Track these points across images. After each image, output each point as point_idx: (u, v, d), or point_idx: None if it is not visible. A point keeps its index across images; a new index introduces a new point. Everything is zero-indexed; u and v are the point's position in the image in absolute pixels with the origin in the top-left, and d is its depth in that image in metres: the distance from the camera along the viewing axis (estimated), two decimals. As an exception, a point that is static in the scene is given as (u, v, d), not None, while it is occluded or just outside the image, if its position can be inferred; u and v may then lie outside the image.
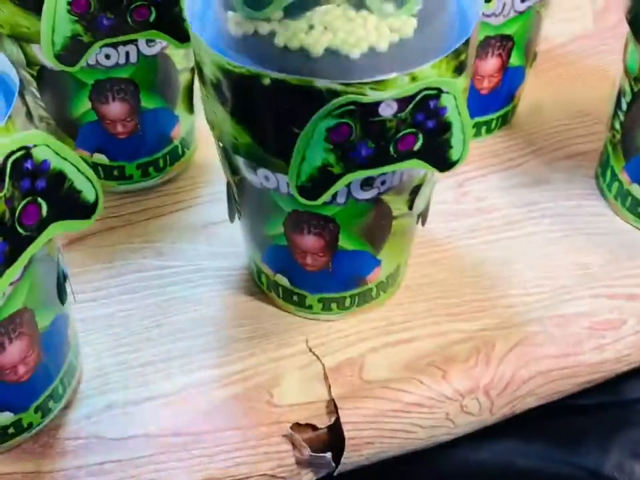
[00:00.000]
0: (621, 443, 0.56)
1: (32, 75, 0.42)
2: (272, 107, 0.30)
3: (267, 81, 0.29)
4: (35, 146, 0.27)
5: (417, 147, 0.31)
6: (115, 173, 0.47)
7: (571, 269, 0.44)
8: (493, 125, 0.52)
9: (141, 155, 0.46)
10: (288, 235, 0.37)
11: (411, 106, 0.29)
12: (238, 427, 0.37)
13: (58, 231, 0.29)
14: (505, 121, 0.53)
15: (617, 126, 0.46)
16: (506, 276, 0.44)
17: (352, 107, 0.28)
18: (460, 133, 0.31)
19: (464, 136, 0.31)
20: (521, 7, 0.46)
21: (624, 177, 0.46)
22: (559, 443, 0.55)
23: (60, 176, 0.28)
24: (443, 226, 0.46)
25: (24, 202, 0.27)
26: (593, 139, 0.53)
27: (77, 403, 0.38)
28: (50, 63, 0.38)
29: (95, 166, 0.46)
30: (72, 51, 0.38)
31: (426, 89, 0.29)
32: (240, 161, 0.35)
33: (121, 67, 0.41)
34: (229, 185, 0.38)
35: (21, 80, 0.30)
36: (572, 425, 0.49)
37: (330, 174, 0.30)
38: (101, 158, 0.46)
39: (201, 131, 0.51)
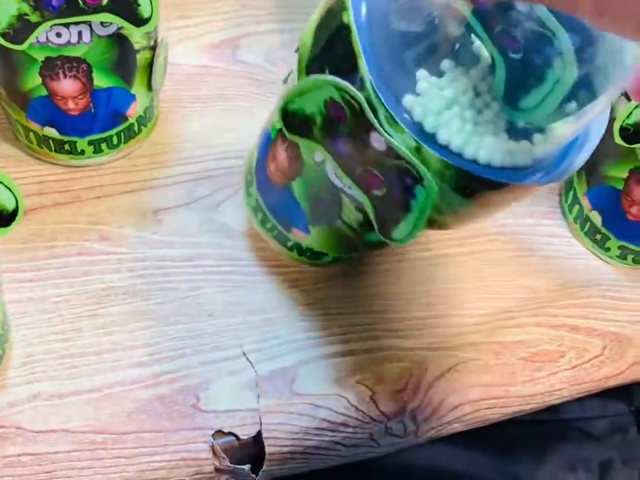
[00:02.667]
0: (556, 456, 0.56)
1: (-20, 44, 0.40)
2: None
3: None
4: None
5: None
6: (66, 147, 0.45)
7: (519, 292, 0.44)
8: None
9: (93, 132, 0.45)
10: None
11: None
12: (160, 429, 0.37)
13: (-28, 240, 0.28)
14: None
15: (584, 150, 0.45)
16: (451, 295, 0.43)
17: None
18: None
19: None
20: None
21: (585, 202, 0.45)
22: (495, 452, 0.56)
23: (-25, 187, 0.27)
24: (396, 234, 0.46)
25: None
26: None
27: (2, 390, 0.38)
28: (-5, 39, 0.36)
29: (45, 139, 0.45)
30: (18, 29, 0.37)
31: None
32: None
33: (73, 46, 0.39)
34: None
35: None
36: (508, 435, 0.49)
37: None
38: (51, 132, 0.44)
39: (163, 107, 0.50)
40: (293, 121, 0.33)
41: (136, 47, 0.42)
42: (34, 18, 0.36)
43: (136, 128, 0.47)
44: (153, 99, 0.47)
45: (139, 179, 0.47)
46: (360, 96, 0.29)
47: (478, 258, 0.45)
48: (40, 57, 0.39)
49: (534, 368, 0.40)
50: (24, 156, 0.47)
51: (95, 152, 0.46)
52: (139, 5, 0.38)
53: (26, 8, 0.36)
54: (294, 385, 0.39)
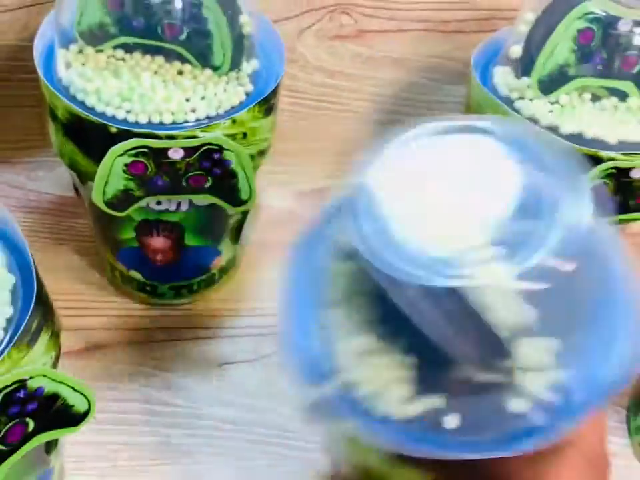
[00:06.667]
0: None
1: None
2: None
3: None
4: (31, 377, 0.27)
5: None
6: (148, 288, 0.47)
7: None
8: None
9: (176, 280, 0.46)
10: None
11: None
12: None
13: (43, 440, 0.29)
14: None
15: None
16: None
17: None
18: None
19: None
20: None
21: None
22: None
23: (53, 397, 0.28)
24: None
25: (10, 424, 0.27)
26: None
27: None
28: (99, 206, 0.38)
29: (130, 279, 0.46)
30: (122, 200, 0.38)
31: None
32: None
33: (170, 212, 0.41)
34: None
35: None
36: None
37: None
38: (136, 275, 0.46)
39: (246, 250, 0.50)
40: None
41: (229, 212, 0.43)
42: (138, 193, 0.38)
43: (217, 277, 0.48)
44: (238, 251, 0.48)
45: (210, 325, 0.48)
46: None
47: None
48: (138, 218, 0.41)
49: None
50: (106, 285, 0.49)
51: (174, 296, 0.47)
52: (239, 190, 0.39)
53: (132, 185, 0.37)
54: None
